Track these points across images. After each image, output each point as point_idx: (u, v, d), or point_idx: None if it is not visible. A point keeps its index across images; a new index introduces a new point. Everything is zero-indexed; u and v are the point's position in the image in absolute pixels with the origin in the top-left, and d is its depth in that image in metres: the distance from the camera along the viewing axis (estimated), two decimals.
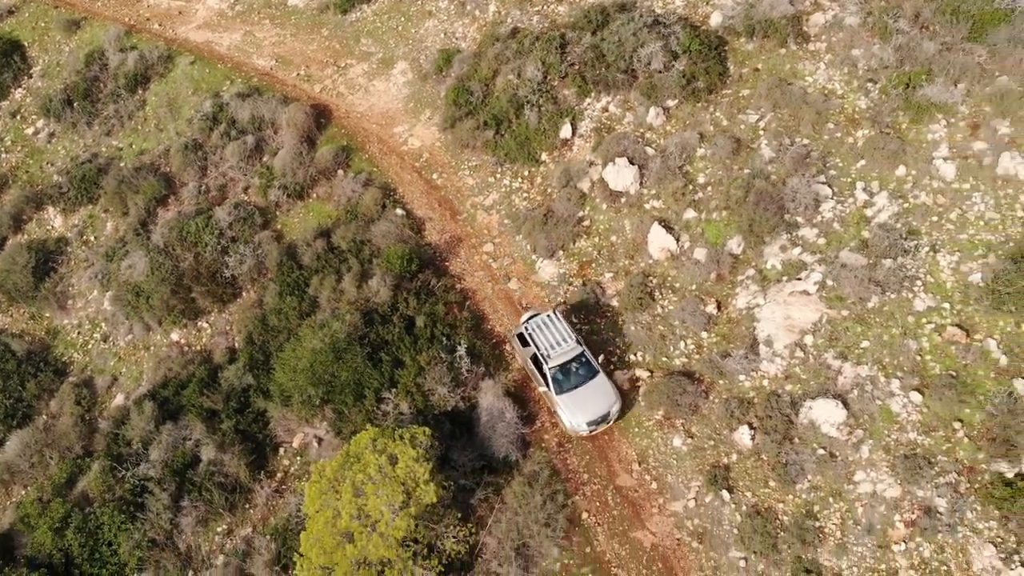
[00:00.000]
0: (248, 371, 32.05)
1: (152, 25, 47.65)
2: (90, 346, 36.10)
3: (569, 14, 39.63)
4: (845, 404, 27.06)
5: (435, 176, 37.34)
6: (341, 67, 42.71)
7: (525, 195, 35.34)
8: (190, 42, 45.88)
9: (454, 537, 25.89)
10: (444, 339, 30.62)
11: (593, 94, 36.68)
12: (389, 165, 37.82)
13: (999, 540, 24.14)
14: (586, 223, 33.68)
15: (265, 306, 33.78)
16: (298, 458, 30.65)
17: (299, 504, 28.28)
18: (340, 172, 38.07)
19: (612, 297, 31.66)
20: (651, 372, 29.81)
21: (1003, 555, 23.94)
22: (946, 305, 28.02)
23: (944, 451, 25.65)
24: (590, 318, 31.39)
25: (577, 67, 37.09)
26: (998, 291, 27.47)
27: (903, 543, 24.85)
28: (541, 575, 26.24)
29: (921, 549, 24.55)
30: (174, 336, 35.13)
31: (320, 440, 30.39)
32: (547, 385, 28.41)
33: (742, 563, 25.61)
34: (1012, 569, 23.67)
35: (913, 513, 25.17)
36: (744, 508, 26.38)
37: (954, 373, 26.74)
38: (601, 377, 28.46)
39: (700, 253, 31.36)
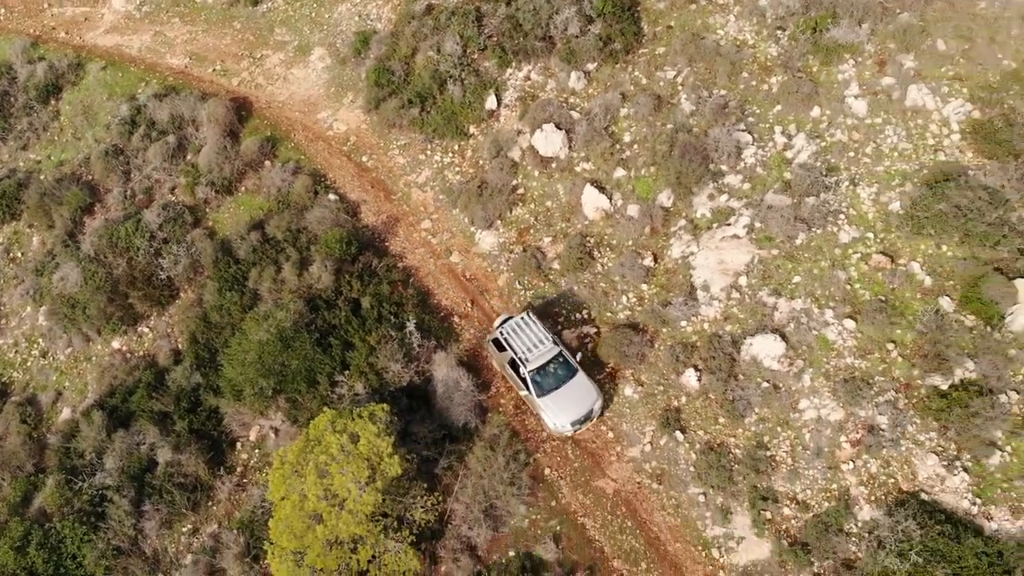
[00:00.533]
0: (195, 370, 31.79)
1: (58, 34, 46.38)
2: (29, 363, 35.30)
3: None
4: (783, 338, 28.15)
5: (365, 159, 37.35)
6: (257, 58, 42.26)
7: (457, 169, 35.63)
8: (99, 48, 44.81)
9: (422, 507, 26.24)
10: (392, 318, 30.84)
11: (514, 64, 37.06)
12: (317, 151, 37.68)
13: (940, 449, 25.52)
14: (520, 191, 34.15)
15: (205, 304, 33.47)
16: (256, 451, 30.60)
17: (263, 496, 28.31)
18: (267, 163, 37.78)
19: (553, 260, 32.23)
20: (597, 329, 30.51)
21: (945, 462, 25.32)
22: (870, 235, 29.29)
23: (881, 372, 26.93)
24: (533, 282, 31.91)
25: (495, 39, 37.41)
26: (917, 216, 28.84)
27: (851, 462, 26.07)
28: (511, 533, 26.81)
29: (868, 465, 25.80)
30: (115, 344, 34.58)
31: (277, 431, 30.36)
32: (528, 389, 27.95)
33: (701, 498, 26.57)
34: (955, 474, 25.07)
35: (857, 433, 26.40)
36: (698, 446, 27.32)
37: (883, 298, 28.03)
38: (581, 375, 28.05)
39: (633, 209, 32.12)
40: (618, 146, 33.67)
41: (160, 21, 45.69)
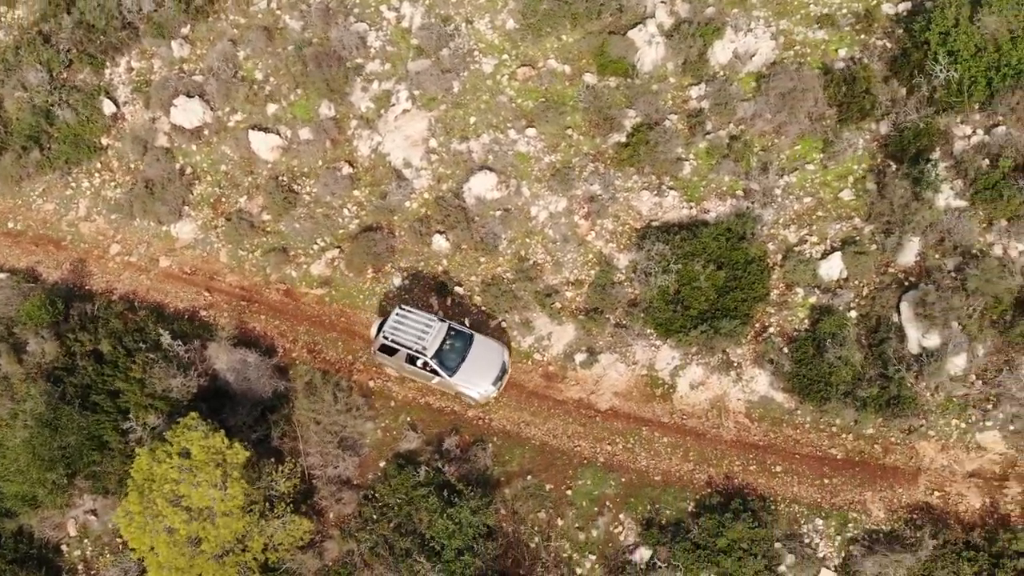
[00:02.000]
0: None
1: None
2: None
3: (28, 13, 36.97)
4: (490, 170, 31.11)
5: (10, 224, 34.19)
6: None
7: (114, 183, 33.91)
8: None
9: (282, 478, 26.40)
10: (141, 344, 29.52)
11: (109, 64, 35.38)
12: None
13: (647, 184, 30.17)
14: (189, 171, 33.43)
15: None
16: (85, 541, 28.48)
17: (126, 569, 26.72)
18: None
19: (261, 213, 32.35)
20: (339, 248, 31.51)
21: (655, 192, 30.06)
22: (505, 56, 32.70)
23: (573, 154, 30.88)
24: (256, 242, 31.95)
25: (76, 49, 35.31)
26: (531, 24, 32.59)
27: (591, 231, 30.03)
28: (372, 448, 27.94)
29: (605, 225, 29.91)
30: None
31: (94, 511, 28.47)
32: (437, 375, 27.28)
33: (503, 324, 29.35)
34: (666, 196, 29.90)
35: (583, 208, 30.32)
36: (477, 287, 29.87)
37: (543, 99, 31.75)
38: (478, 337, 27.73)
39: (305, 132, 32.92)
40: (256, 86, 33.91)
41: None
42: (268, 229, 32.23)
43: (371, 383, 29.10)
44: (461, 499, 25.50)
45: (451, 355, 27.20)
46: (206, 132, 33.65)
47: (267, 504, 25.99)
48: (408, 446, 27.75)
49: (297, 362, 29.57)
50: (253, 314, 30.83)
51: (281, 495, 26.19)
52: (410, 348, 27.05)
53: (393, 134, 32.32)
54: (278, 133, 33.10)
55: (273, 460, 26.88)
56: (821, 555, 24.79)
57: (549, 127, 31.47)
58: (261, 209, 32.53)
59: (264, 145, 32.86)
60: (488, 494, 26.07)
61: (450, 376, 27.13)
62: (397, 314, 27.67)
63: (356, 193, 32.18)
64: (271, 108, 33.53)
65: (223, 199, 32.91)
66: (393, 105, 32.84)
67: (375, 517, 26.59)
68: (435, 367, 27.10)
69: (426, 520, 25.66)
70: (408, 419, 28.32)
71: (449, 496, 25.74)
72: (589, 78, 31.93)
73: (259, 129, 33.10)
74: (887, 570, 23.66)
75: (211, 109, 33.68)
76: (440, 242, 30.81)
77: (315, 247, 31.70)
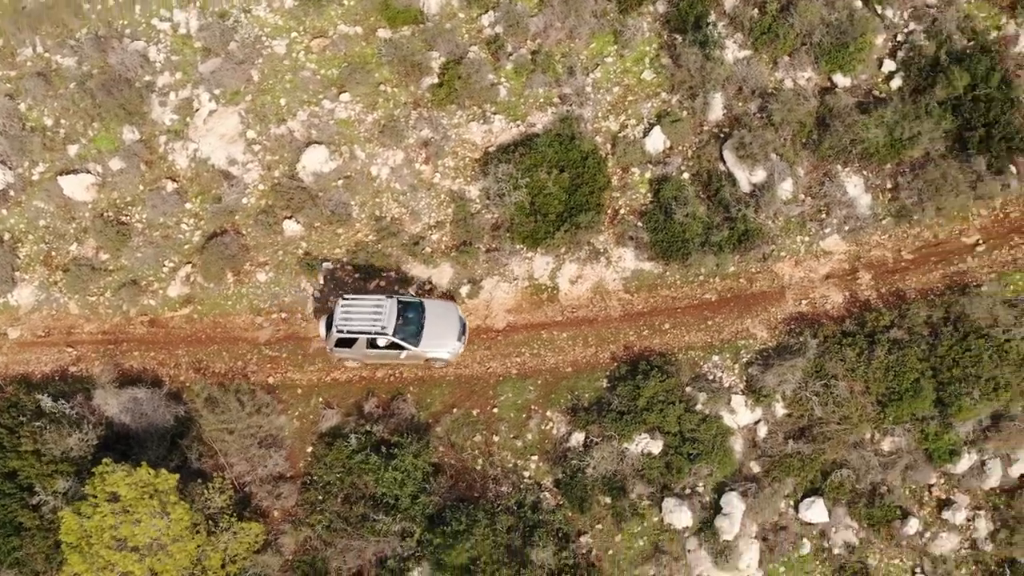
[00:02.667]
0: None
1: None
2: None
3: None
4: (317, 143, 31.38)
5: None
6: None
7: None
8: None
9: (214, 493, 26.10)
10: (22, 418, 27.86)
11: None
12: None
13: (472, 116, 31.41)
14: (7, 236, 31.57)
15: None
16: None
17: None
18: None
19: (97, 255, 31.14)
20: (191, 264, 30.90)
21: (481, 121, 31.44)
22: (294, 34, 32.82)
23: (392, 107, 31.72)
24: (101, 284, 30.77)
25: None
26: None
27: (435, 173, 31.12)
28: (294, 438, 28.05)
29: (446, 163, 31.07)
30: None
31: None
32: (404, 348, 27.09)
33: (382, 283, 30.03)
34: (491, 122, 31.35)
35: (421, 153, 31.27)
36: (344, 260, 30.32)
37: (346, 63, 32.22)
38: (428, 301, 27.97)
39: (115, 163, 31.78)
40: (49, 133, 32.38)
41: None
42: (110, 267, 31.10)
43: (270, 379, 29.06)
44: (400, 449, 26.23)
45: (410, 326, 27.18)
46: (12, 193, 31.83)
47: (210, 523, 25.67)
48: (329, 423, 28.05)
49: (187, 384, 28.98)
50: (125, 354, 29.84)
51: (221, 509, 25.93)
52: (368, 332, 26.72)
53: (207, 137, 31.89)
54: (88, 171, 31.84)
55: (200, 481, 26.47)
56: (727, 385, 27.47)
57: (361, 88, 32.08)
58: (96, 250, 31.29)
59: (78, 187, 31.54)
60: (423, 437, 26.94)
61: (416, 346, 27.18)
62: (343, 305, 27.10)
63: (188, 206, 31.58)
64: (72, 149, 32.14)
65: (53, 253, 31.36)
66: (197, 110, 32.33)
67: (320, 498, 26.86)
68: (399, 342, 26.98)
69: (372, 481, 26.20)
70: (320, 400, 28.58)
71: (387, 451, 26.39)
72: (383, 33, 32.74)
73: (67, 173, 31.72)
74: (786, 376, 26.61)
75: (9, 169, 31.88)
76: (292, 226, 30.92)
77: (165, 270, 30.96)
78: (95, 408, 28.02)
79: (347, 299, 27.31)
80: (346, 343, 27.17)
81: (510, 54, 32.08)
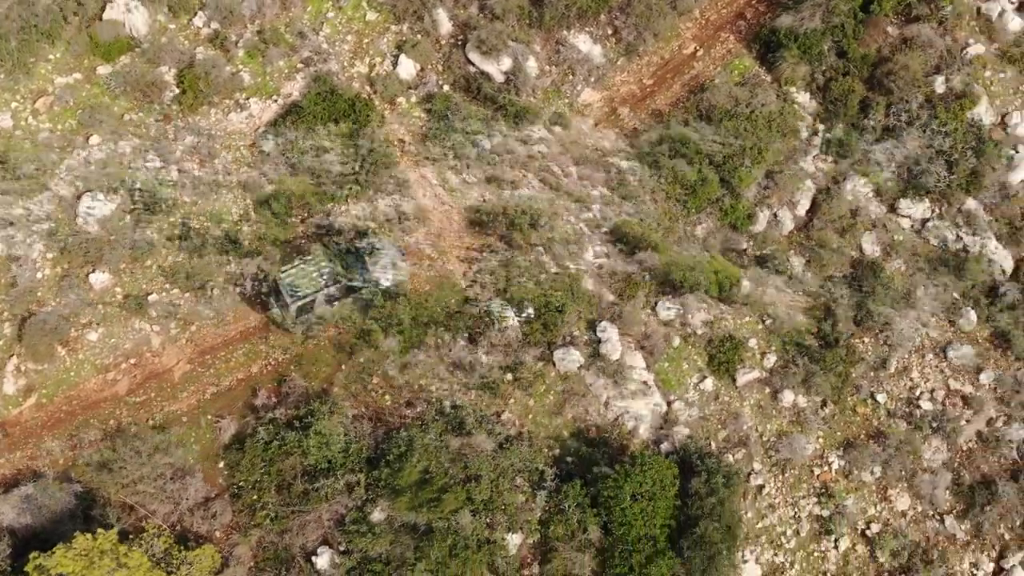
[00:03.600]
0: None
1: None
2: None
3: None
4: (91, 190, 30.65)
5: None
6: None
7: None
8: None
9: (152, 538, 25.64)
10: None
11: None
12: None
13: (226, 108, 32.07)
14: None
15: None
16: None
17: None
18: None
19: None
20: (15, 355, 29.26)
21: (240, 110, 32.12)
22: (15, 104, 31.57)
23: (146, 128, 31.49)
24: None
25: None
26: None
27: (205, 167, 31.51)
28: (201, 462, 27.87)
29: (223, 158, 31.60)
30: None
31: None
32: (360, 286, 28.55)
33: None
34: (247, 107, 32.19)
35: (193, 156, 31.43)
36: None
37: (81, 109, 31.49)
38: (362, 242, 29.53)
39: None
40: None
41: None
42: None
43: (150, 422, 28.52)
44: (312, 416, 26.98)
45: (356, 265, 29.04)
46: None
47: (163, 566, 25.27)
48: (229, 432, 28.13)
49: (71, 463, 27.78)
50: None
51: (166, 551, 25.56)
52: (325, 288, 28.35)
53: None
54: None
55: (131, 537, 25.81)
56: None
57: (107, 125, 31.79)
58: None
59: None
60: (326, 401, 27.76)
61: (371, 278, 28.89)
62: (285, 281, 28.38)
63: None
64: None
65: None
66: None
67: (255, 498, 27.01)
68: (358, 284, 28.76)
69: (298, 458, 26.75)
70: (209, 417, 28.50)
71: (301, 426, 27.03)
72: (104, 69, 32.46)
73: None
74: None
75: None
76: (99, 278, 30.13)
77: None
78: None
79: (284, 272, 28.82)
80: (306, 309, 28.79)
81: (236, 42, 32.94)
